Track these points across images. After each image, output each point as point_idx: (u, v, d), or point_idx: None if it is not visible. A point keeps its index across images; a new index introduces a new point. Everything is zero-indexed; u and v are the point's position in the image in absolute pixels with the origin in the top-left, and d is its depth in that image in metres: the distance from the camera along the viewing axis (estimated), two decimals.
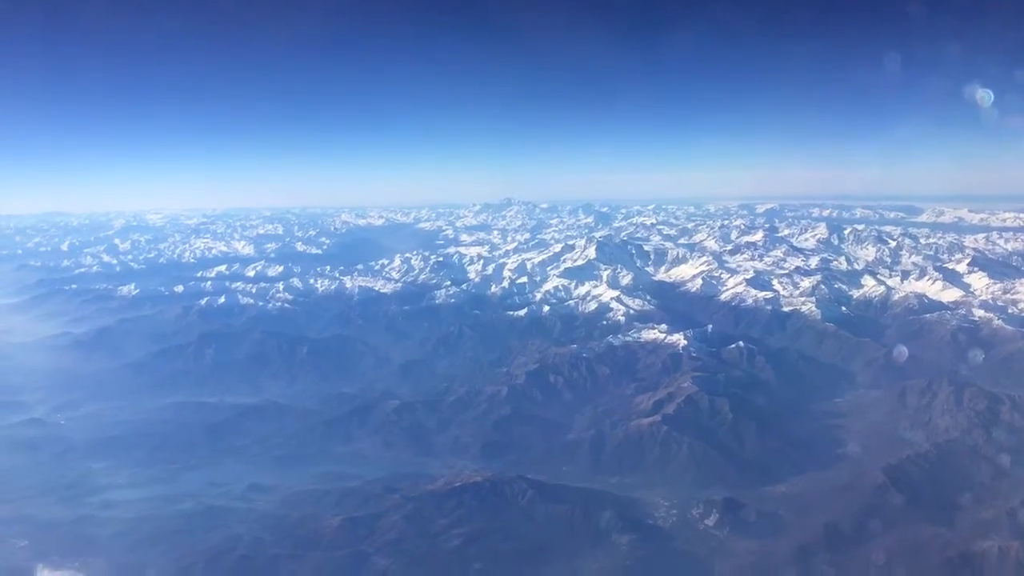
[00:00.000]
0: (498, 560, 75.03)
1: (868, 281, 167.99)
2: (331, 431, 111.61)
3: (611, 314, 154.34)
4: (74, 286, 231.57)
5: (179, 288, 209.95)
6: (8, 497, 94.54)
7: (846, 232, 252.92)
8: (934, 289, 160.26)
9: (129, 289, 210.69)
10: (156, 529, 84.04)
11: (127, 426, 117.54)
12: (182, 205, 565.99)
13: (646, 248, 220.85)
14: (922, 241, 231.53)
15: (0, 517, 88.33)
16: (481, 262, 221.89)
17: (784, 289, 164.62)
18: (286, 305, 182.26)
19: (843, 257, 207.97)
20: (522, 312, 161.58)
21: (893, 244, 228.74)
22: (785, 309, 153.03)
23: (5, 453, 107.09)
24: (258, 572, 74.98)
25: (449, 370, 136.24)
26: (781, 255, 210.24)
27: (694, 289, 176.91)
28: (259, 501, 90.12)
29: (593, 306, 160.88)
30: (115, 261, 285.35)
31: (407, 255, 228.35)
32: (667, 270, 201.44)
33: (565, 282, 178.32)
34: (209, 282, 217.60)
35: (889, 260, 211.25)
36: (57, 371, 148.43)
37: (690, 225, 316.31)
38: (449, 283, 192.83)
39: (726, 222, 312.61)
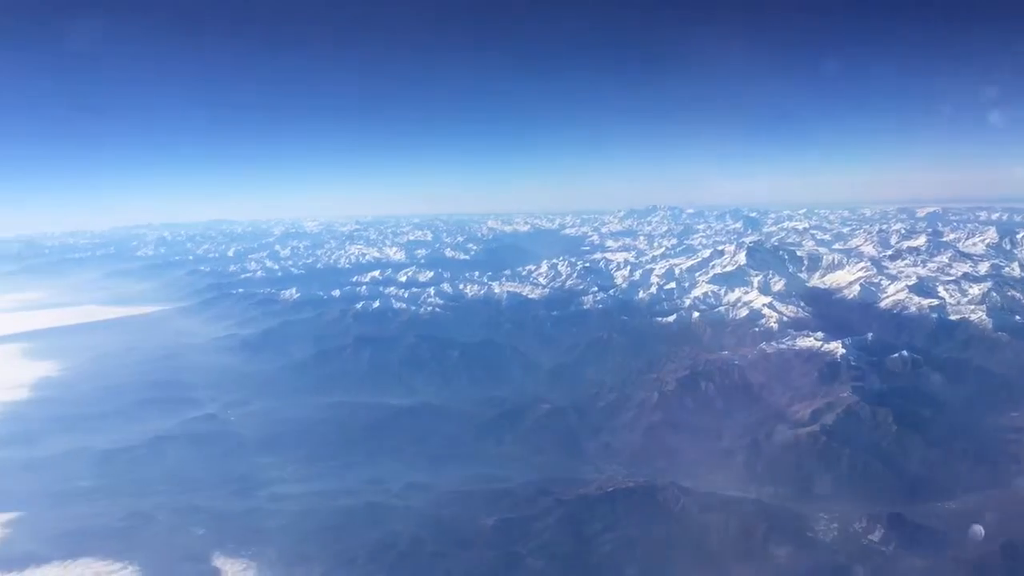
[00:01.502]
0: (651, 567, 74.75)
1: None
2: (483, 433, 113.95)
3: (763, 321, 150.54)
4: (240, 290, 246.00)
5: (336, 292, 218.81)
6: (186, 488, 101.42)
7: (1019, 236, 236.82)
8: None
9: (290, 293, 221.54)
10: (320, 523, 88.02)
11: (291, 424, 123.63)
12: (336, 213, 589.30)
13: (799, 254, 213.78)
14: None
15: (179, 506, 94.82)
16: (628, 268, 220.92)
17: (951, 296, 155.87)
18: (437, 310, 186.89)
19: (1016, 263, 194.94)
20: (671, 318, 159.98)
21: None
22: (952, 318, 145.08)
23: (183, 447, 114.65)
24: (416, 569, 77.47)
25: (598, 375, 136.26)
26: (946, 261, 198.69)
27: (851, 296, 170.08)
28: (416, 499, 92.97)
29: (744, 312, 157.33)
30: (277, 266, 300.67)
31: (554, 261, 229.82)
32: (822, 276, 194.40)
33: (714, 288, 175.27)
34: (364, 287, 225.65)
35: None
36: (226, 370, 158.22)
37: (845, 230, 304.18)
38: (596, 289, 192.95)
39: (884, 226, 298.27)
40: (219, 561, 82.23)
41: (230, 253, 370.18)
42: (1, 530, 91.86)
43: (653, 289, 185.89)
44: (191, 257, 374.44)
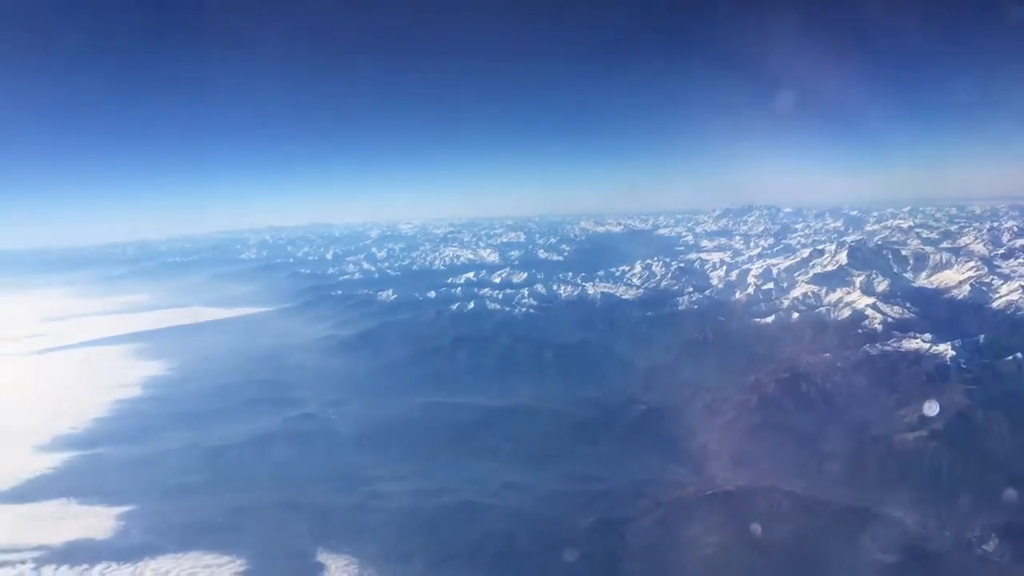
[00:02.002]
0: (752, 572, 73.35)
1: None
2: (578, 434, 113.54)
3: (866, 322, 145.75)
4: (339, 292, 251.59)
5: (431, 294, 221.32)
6: (290, 484, 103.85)
7: None
8: None
9: (387, 294, 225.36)
10: (418, 520, 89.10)
11: (389, 423, 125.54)
12: (430, 215, 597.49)
13: (903, 253, 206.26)
14: None
15: (283, 502, 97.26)
16: (724, 268, 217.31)
17: None
18: (531, 311, 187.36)
19: None
20: (769, 319, 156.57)
21: None
22: None
23: (285, 445, 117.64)
24: (514, 568, 77.83)
25: (694, 377, 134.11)
26: None
27: (960, 296, 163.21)
28: (512, 499, 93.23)
29: (846, 313, 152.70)
30: (374, 268, 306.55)
31: (648, 261, 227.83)
32: (928, 276, 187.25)
33: (815, 288, 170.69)
34: (459, 288, 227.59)
35: None
36: (326, 370, 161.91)
37: (953, 227, 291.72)
38: (691, 289, 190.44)
39: (995, 223, 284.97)
40: (323, 556, 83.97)
41: (329, 256, 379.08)
42: (117, 522, 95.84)
43: (750, 289, 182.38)
44: (292, 260, 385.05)
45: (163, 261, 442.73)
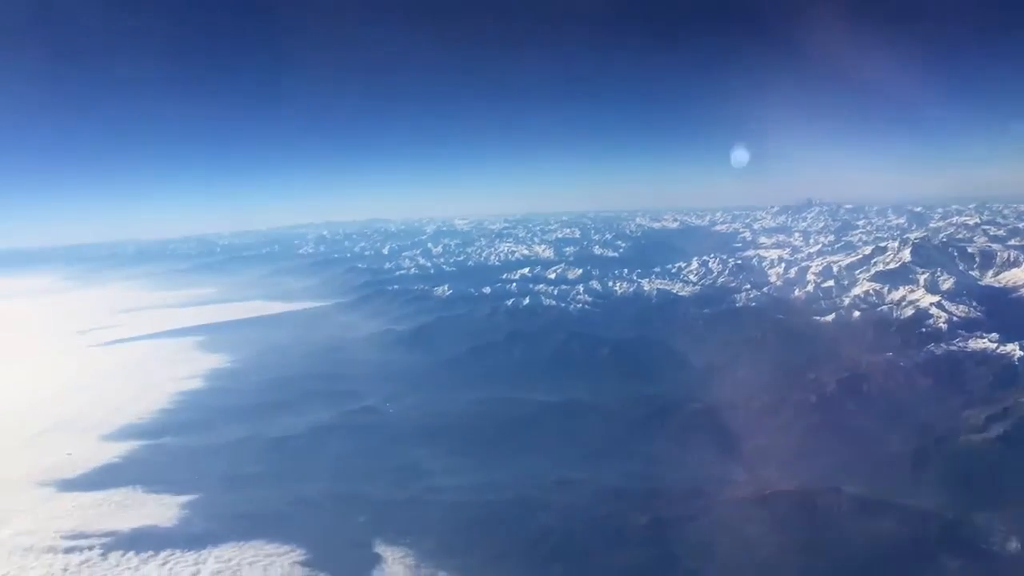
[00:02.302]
0: (812, 574, 72.48)
1: None
2: (634, 431, 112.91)
3: (931, 321, 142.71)
4: (395, 287, 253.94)
5: (487, 289, 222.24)
6: (348, 476, 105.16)
7: None
8: None
9: (443, 290, 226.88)
10: (474, 515, 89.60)
11: (444, 417, 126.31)
12: (485, 211, 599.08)
13: (970, 250, 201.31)
14: None
15: (342, 494, 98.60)
16: (783, 265, 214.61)
17: None
18: (586, 307, 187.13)
19: None
20: (829, 317, 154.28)
21: None
22: None
23: (344, 437, 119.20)
24: (569, 565, 77.82)
25: (752, 375, 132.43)
26: None
27: None
28: (567, 495, 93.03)
29: (909, 312, 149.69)
30: (429, 264, 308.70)
31: (705, 258, 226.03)
32: (996, 274, 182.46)
33: (876, 286, 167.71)
34: (514, 284, 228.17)
35: None
36: (383, 364, 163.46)
37: (1021, 225, 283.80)
38: (749, 286, 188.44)
39: None
40: (380, 548, 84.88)
41: (385, 251, 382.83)
42: (181, 510, 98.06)
43: (810, 287, 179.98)
44: (349, 255, 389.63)
45: (224, 256, 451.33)
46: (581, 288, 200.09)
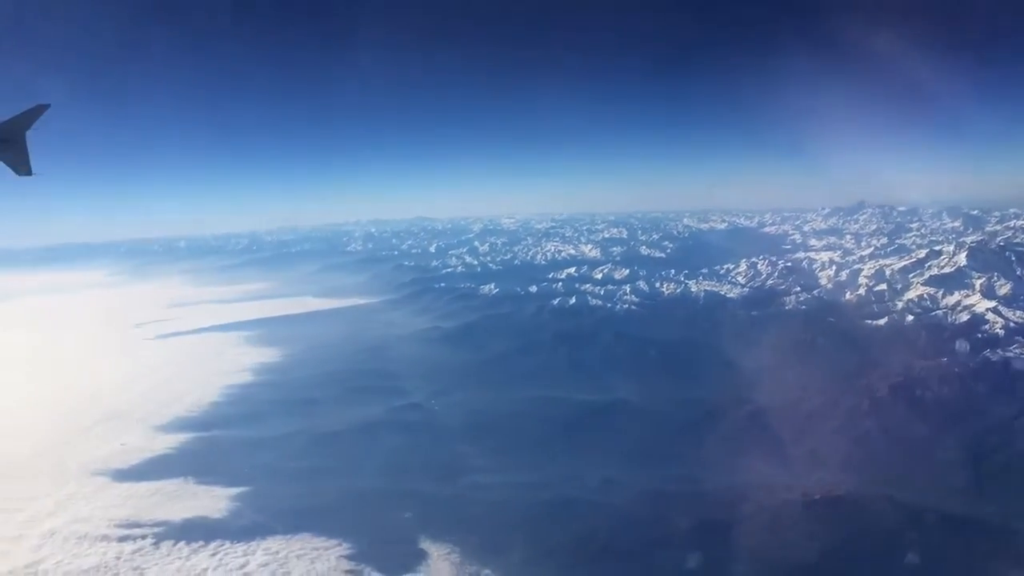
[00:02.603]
0: None
1: None
2: (681, 433, 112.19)
3: (986, 327, 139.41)
4: (442, 285, 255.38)
5: (533, 288, 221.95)
6: (394, 472, 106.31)
7: None
8: None
9: (489, 288, 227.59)
10: (519, 513, 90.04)
11: (490, 415, 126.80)
12: (532, 210, 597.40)
13: None
14: None
15: (389, 490, 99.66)
16: (833, 268, 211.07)
17: None
18: (632, 308, 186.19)
19: None
20: (881, 321, 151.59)
21: None
22: None
23: (391, 433, 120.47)
24: (614, 566, 77.85)
25: (801, 379, 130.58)
26: None
27: None
28: (613, 496, 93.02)
29: (965, 317, 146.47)
30: (476, 262, 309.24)
31: (753, 259, 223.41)
32: None
33: (930, 291, 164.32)
34: (560, 283, 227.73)
35: None
36: (430, 361, 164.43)
37: None
38: (799, 289, 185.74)
39: None
40: (425, 544, 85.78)
41: (432, 249, 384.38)
42: (231, 502, 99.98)
43: (861, 290, 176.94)
44: (396, 252, 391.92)
45: (273, 252, 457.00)
46: (628, 288, 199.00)
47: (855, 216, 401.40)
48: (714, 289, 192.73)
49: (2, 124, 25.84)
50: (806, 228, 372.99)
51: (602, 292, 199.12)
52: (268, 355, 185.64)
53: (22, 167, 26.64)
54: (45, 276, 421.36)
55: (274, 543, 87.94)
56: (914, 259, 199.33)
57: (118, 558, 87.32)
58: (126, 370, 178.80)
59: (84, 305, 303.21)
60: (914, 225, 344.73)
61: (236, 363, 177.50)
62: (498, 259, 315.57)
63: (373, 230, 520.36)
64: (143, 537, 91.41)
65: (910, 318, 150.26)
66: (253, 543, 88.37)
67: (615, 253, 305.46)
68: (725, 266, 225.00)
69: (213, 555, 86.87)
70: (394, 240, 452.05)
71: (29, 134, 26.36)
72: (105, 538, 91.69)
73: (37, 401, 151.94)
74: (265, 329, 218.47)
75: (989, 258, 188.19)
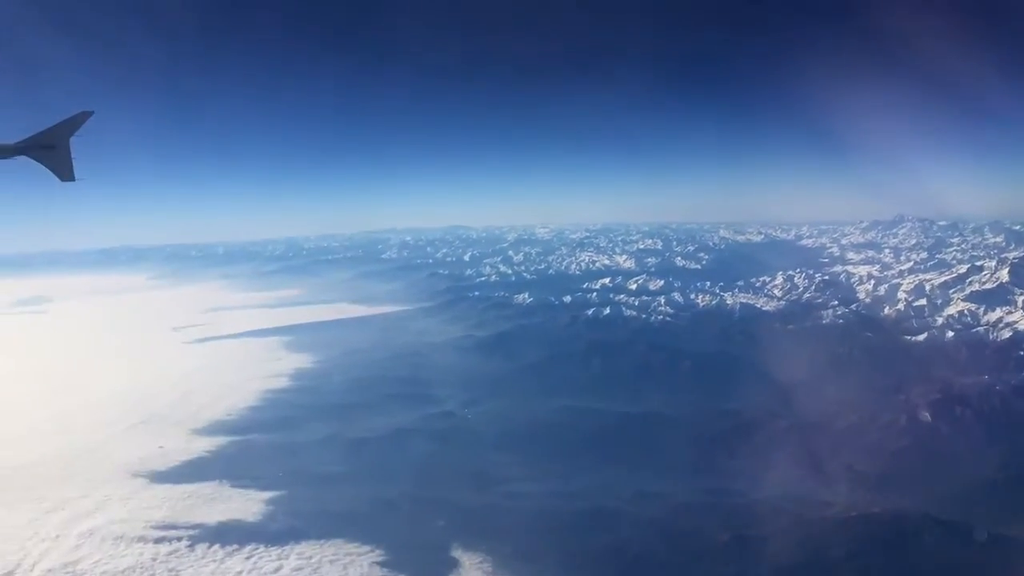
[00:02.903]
0: None
1: None
2: (716, 446, 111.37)
3: None
4: (476, 293, 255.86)
5: (567, 298, 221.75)
6: (427, 480, 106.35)
7: None
8: None
9: (523, 298, 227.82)
10: (552, 523, 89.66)
11: (523, 424, 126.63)
12: (566, 220, 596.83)
13: None
14: None
15: (421, 497, 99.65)
16: (872, 282, 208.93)
17: None
18: (667, 319, 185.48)
19: None
20: (920, 337, 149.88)
21: None
22: None
23: (423, 441, 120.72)
24: None
25: (839, 394, 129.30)
26: None
27: None
28: (647, 508, 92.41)
29: (1007, 334, 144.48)
30: (510, 271, 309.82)
31: (790, 272, 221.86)
32: None
33: (971, 307, 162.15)
34: (594, 294, 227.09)
35: None
36: (463, 370, 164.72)
37: None
38: (836, 303, 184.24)
39: None
40: (457, 552, 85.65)
41: (466, 257, 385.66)
42: (265, 506, 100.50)
43: (900, 305, 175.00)
44: (431, 261, 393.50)
45: (310, 258, 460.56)
46: (662, 300, 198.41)
47: (894, 230, 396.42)
48: (750, 302, 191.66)
49: (46, 131, 26.66)
50: (844, 241, 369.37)
51: (637, 303, 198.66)
52: (304, 360, 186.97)
53: (65, 172, 27.47)
54: (89, 278, 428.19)
55: (308, 548, 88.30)
56: (955, 274, 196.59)
57: (154, 559, 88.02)
58: (164, 373, 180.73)
59: (125, 308, 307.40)
60: (955, 240, 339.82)
61: (273, 368, 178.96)
62: (532, 269, 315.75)
63: (409, 238, 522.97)
64: (178, 539, 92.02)
65: (950, 334, 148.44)
66: (287, 547, 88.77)
67: (650, 264, 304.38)
68: (761, 279, 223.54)
69: (247, 559, 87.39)
70: (429, 248, 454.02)
71: (73, 140, 27.14)
72: (142, 539, 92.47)
73: (78, 401, 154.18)
74: (301, 335, 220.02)
75: None
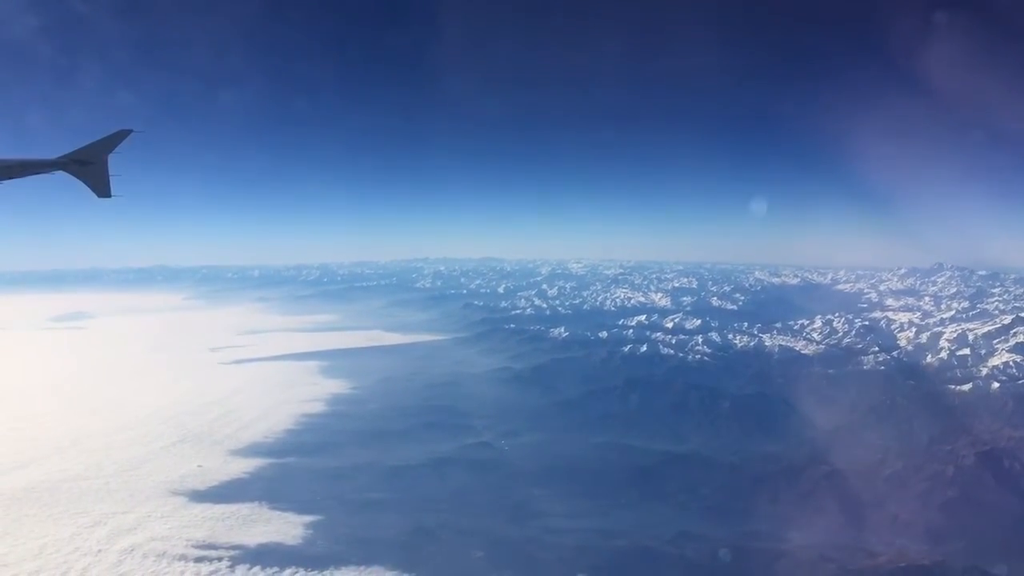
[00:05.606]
0: None
1: None
2: (757, 489, 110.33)
3: None
4: (511, 326, 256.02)
5: (603, 334, 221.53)
6: (465, 510, 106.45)
7: None
8: None
9: (559, 332, 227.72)
10: (592, 561, 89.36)
11: (562, 459, 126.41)
12: (599, 255, 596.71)
13: None
14: None
15: (459, 527, 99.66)
16: (913, 329, 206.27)
17: None
18: (705, 358, 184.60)
19: None
20: (965, 387, 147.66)
21: None
22: None
23: (461, 470, 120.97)
24: None
25: (881, 441, 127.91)
26: None
27: None
28: (689, 549, 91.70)
29: None
30: (544, 305, 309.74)
31: (828, 316, 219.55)
32: None
33: (1017, 358, 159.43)
34: (630, 330, 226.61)
35: None
36: (500, 401, 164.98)
37: None
38: (877, 349, 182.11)
39: None
40: None
41: (500, 289, 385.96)
42: (305, 529, 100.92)
43: (943, 354, 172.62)
44: (465, 291, 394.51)
45: (345, 285, 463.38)
46: (699, 339, 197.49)
47: (932, 278, 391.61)
48: (789, 344, 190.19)
49: (85, 147, 27.36)
50: (882, 287, 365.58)
51: (674, 341, 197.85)
52: (340, 386, 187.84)
53: (102, 189, 28.03)
54: (126, 296, 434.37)
55: (348, 573, 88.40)
56: (999, 324, 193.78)
57: None
58: (202, 393, 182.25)
59: (162, 327, 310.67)
60: (996, 290, 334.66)
61: (309, 392, 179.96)
62: (567, 303, 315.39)
63: (442, 268, 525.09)
64: (219, 559, 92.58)
65: (996, 385, 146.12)
66: (327, 572, 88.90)
67: (685, 303, 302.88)
68: (799, 321, 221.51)
69: None
70: (463, 279, 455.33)
71: (112, 157, 27.79)
72: (183, 557, 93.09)
73: (118, 420, 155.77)
74: (337, 360, 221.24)
75: None
